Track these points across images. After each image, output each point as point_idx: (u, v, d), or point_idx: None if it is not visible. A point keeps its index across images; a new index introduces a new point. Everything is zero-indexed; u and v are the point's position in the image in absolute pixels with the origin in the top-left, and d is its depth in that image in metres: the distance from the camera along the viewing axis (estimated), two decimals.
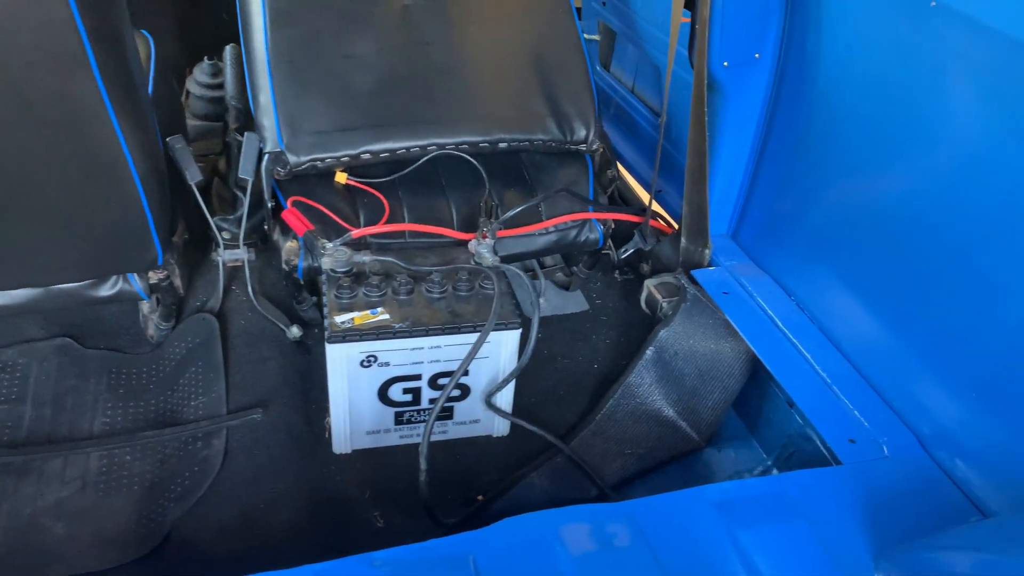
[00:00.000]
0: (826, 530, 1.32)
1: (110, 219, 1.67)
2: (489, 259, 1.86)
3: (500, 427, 1.94)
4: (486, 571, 1.21)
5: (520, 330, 1.76)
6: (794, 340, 1.74)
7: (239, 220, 2.10)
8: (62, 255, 1.73)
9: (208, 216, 1.98)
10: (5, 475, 1.71)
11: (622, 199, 2.45)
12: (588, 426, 1.92)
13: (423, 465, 1.64)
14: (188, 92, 2.65)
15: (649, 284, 2.10)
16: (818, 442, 1.60)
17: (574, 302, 2.38)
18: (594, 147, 2.18)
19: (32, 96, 1.42)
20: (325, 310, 1.73)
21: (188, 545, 1.56)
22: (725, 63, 1.82)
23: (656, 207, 2.18)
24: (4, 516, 1.63)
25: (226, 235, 2.11)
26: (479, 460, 1.89)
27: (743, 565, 1.25)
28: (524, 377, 1.87)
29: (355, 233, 1.87)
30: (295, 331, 2.08)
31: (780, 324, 1.79)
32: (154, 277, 1.88)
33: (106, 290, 1.85)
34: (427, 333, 1.71)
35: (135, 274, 1.86)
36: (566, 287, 2.41)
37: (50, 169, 1.57)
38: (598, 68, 2.74)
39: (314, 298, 2.14)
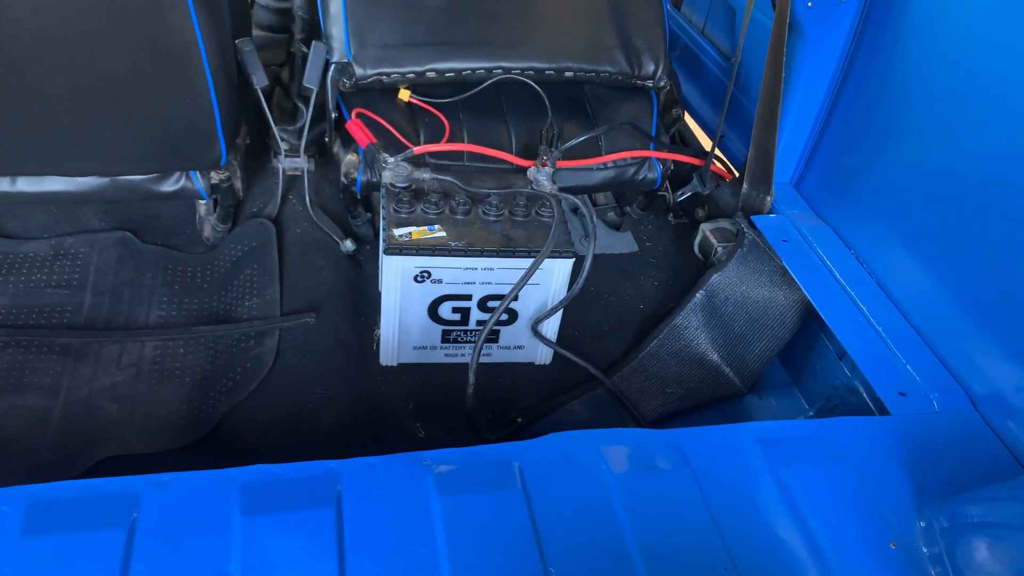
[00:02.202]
0: (868, 476, 1.32)
1: (179, 114, 1.69)
2: (548, 187, 1.85)
3: (543, 355, 1.96)
4: (531, 479, 1.23)
5: (573, 259, 1.76)
6: (851, 292, 1.71)
7: (300, 130, 2.12)
8: (131, 147, 1.75)
9: (271, 122, 1.99)
10: (65, 356, 1.76)
11: (682, 141, 2.41)
12: (631, 363, 1.93)
13: (471, 379, 1.66)
14: (254, 2, 2.64)
15: (705, 228, 2.08)
16: (865, 395, 1.59)
17: (623, 242, 2.37)
18: (661, 84, 2.15)
19: None
20: (383, 223, 1.74)
21: (236, 437, 1.60)
22: (809, 3, 1.77)
23: (717, 152, 2.15)
24: (63, 393, 1.69)
25: (285, 145, 2.13)
26: (520, 385, 1.91)
27: (783, 500, 1.26)
28: (569, 311, 1.88)
29: (416, 150, 1.87)
30: (349, 244, 2.09)
31: (838, 275, 1.76)
32: (216, 177, 1.91)
33: (169, 186, 1.88)
34: (482, 254, 1.71)
35: (197, 172, 1.88)
36: (616, 227, 2.39)
37: (126, 58, 1.58)
38: (669, 7, 2.67)
39: (368, 215, 2.16)
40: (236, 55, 1.84)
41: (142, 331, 1.84)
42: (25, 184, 1.82)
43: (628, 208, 2.35)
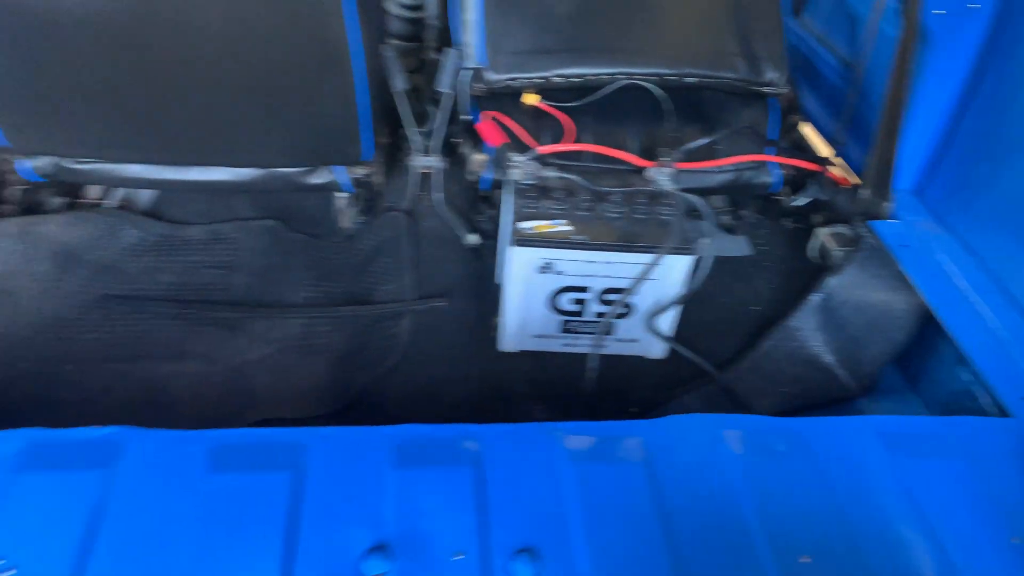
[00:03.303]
0: (990, 474, 1.33)
1: (330, 112, 1.86)
2: (669, 186, 1.92)
3: (656, 350, 2.03)
4: (655, 454, 1.31)
5: (692, 256, 1.83)
6: (973, 298, 1.72)
7: (430, 132, 2.26)
8: (287, 141, 1.93)
9: (411, 122, 2.14)
10: (222, 328, 1.96)
11: (798, 147, 2.44)
12: (744, 361, 1.98)
13: (593, 363, 1.75)
14: (385, 12, 2.82)
15: (822, 232, 2.11)
16: (985, 399, 1.59)
17: (737, 246, 2.40)
18: (781, 90, 2.19)
19: None
20: (509, 216, 1.85)
21: (375, 407, 1.75)
22: (939, 11, 1.78)
23: (836, 158, 2.17)
24: (221, 362, 1.88)
25: (414, 146, 2.29)
26: (634, 377, 1.98)
27: (903, 492, 1.29)
28: (685, 306, 1.94)
29: (542, 149, 1.98)
30: (472, 239, 2.23)
31: (960, 282, 1.77)
32: (359, 171, 2.07)
33: (317, 178, 2.06)
34: (603, 248, 1.80)
35: (344, 167, 2.05)
36: (730, 230, 2.44)
37: (288, 60, 1.76)
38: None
39: (491, 211, 2.28)
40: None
41: (288, 309, 2.02)
42: (196, 173, 2.03)
43: (744, 212, 2.39)
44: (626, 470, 1.29)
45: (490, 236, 2.29)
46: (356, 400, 1.78)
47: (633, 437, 1.34)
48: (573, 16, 2.13)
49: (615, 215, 1.87)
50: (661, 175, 1.95)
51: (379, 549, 1.14)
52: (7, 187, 2.06)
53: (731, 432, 1.37)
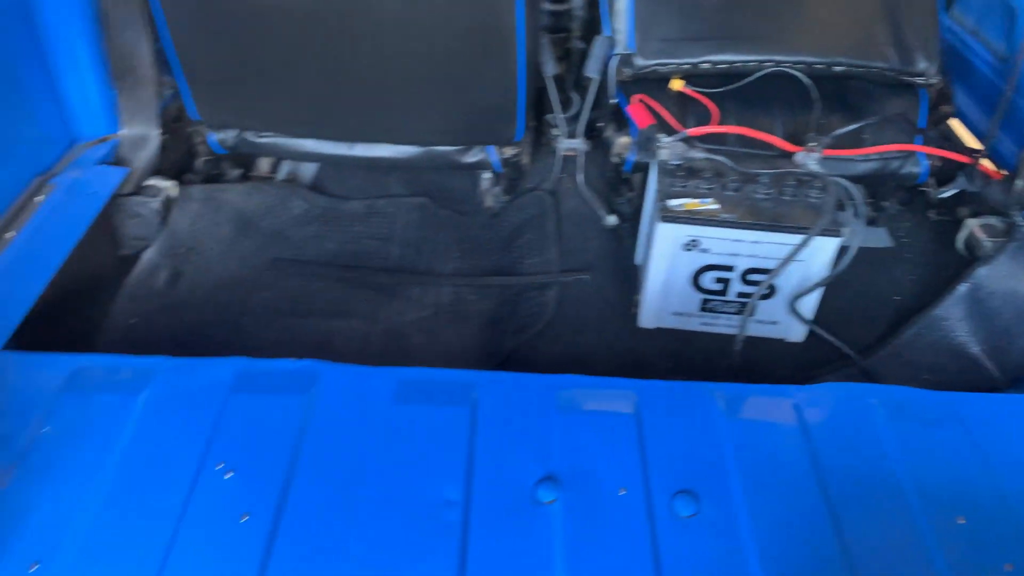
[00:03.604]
0: None
1: (494, 94, 1.98)
2: (818, 170, 1.95)
3: (796, 333, 2.05)
4: (808, 416, 1.36)
5: (840, 239, 1.85)
6: None
7: (573, 117, 2.37)
8: (447, 121, 2.07)
9: (558, 106, 2.25)
10: (379, 293, 2.11)
11: (945, 139, 2.40)
12: (886, 348, 1.98)
13: (738, 343, 1.80)
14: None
15: (971, 223, 2.08)
16: None
17: (877, 237, 2.40)
18: (933, 81, 2.17)
19: None
20: (655, 195, 1.92)
21: (524, 368, 1.85)
22: None
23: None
24: (380, 322, 2.03)
25: (556, 131, 2.39)
26: (773, 359, 2.01)
27: None
28: (825, 293, 1.96)
29: (691, 131, 2.04)
30: (611, 220, 2.31)
31: None
32: (508, 152, 2.19)
33: (470, 157, 2.19)
34: (751, 227, 1.85)
35: (495, 147, 2.17)
36: (871, 222, 2.43)
37: (461, 43, 1.89)
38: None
39: (630, 194, 2.36)
40: None
41: (440, 278, 2.16)
42: (361, 150, 2.20)
43: (886, 203, 2.38)
44: (780, 428, 1.34)
45: (628, 219, 2.37)
46: (505, 361, 1.88)
47: (787, 399, 1.39)
48: (721, 3, 2.19)
49: (763, 196, 1.91)
50: (809, 160, 1.98)
51: (549, 479, 1.24)
52: (196, 158, 2.29)
53: (883, 400, 1.40)
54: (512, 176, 2.31)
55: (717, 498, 1.23)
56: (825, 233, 1.83)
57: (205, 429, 1.29)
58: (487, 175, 2.41)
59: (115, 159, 2.02)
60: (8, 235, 1.69)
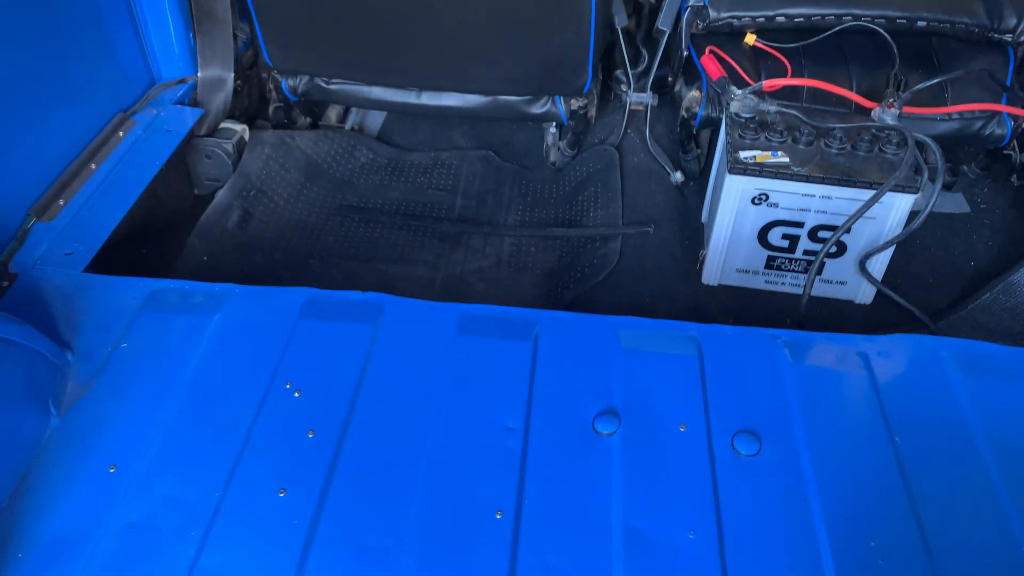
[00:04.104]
0: None
1: (560, 43, 1.97)
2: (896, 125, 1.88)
3: (864, 294, 2.00)
4: (876, 366, 1.33)
5: (916, 195, 1.79)
6: None
7: (644, 71, 2.33)
8: (515, 70, 2.07)
9: (627, 59, 2.22)
10: (443, 241, 2.13)
11: None
12: (959, 312, 1.92)
13: (807, 290, 1.76)
14: None
15: None
16: None
17: (954, 203, 2.32)
18: (1022, 38, 2.07)
19: None
20: (725, 148, 1.89)
21: None
22: None
23: None
24: (443, 269, 2.05)
25: (622, 86, 2.37)
26: (839, 319, 1.97)
27: None
28: (894, 259, 1.91)
29: (766, 84, 2.00)
30: (678, 176, 2.28)
31: None
32: (575, 104, 2.18)
33: (537, 108, 2.18)
34: (823, 181, 1.80)
35: (562, 98, 2.16)
36: (948, 187, 2.34)
37: None
38: None
39: (698, 151, 2.32)
40: None
41: (502, 229, 2.16)
42: (428, 98, 2.22)
43: (965, 167, 2.29)
44: (846, 375, 1.32)
45: (695, 177, 2.34)
46: (566, 308, 1.88)
47: (853, 347, 1.36)
48: None
49: (836, 151, 1.86)
50: (887, 116, 1.91)
51: (609, 413, 1.24)
52: (268, 104, 2.33)
53: (955, 354, 1.36)
54: (578, 130, 2.30)
55: (779, 440, 1.22)
56: (900, 189, 1.78)
57: (275, 351, 1.33)
58: (552, 129, 2.40)
59: (191, 101, 2.08)
60: (92, 166, 1.76)
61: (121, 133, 1.87)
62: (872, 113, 1.96)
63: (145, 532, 1.09)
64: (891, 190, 1.76)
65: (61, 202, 1.67)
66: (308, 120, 2.43)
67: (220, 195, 2.06)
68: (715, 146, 2.17)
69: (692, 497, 1.14)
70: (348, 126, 2.51)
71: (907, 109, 2.00)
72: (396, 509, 1.12)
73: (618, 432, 1.22)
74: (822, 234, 1.90)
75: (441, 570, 1.06)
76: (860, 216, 1.78)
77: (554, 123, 2.35)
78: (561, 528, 1.10)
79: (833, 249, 1.93)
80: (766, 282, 2.03)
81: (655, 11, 2.33)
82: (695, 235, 2.15)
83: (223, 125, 2.13)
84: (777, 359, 1.34)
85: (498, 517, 1.11)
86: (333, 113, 2.54)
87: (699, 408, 1.26)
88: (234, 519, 1.10)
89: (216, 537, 1.08)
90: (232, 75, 2.12)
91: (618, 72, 2.38)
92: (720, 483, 1.15)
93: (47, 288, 1.45)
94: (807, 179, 1.81)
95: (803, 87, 2.08)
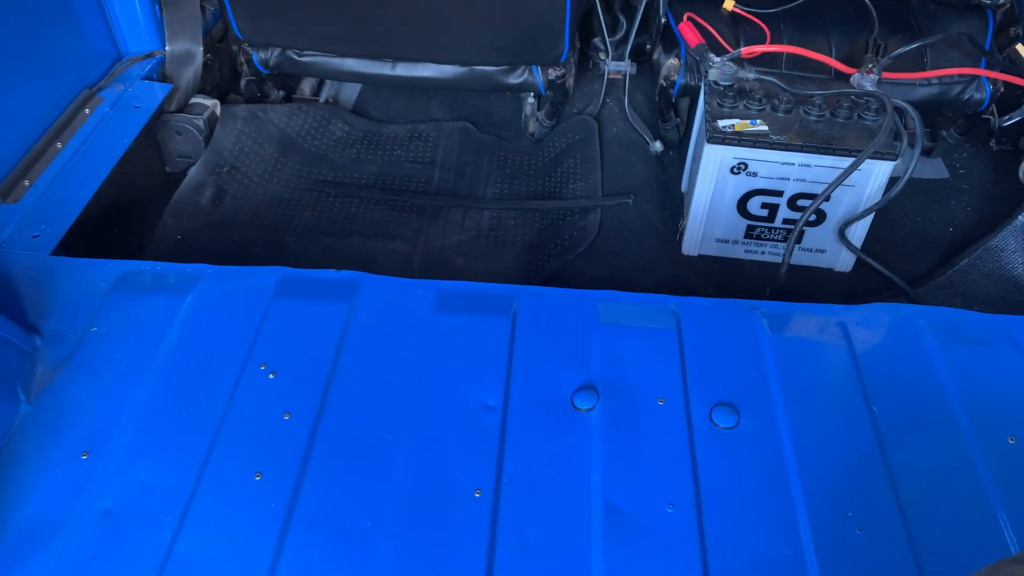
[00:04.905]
0: None
1: (538, 11, 1.93)
2: (873, 91, 1.87)
3: (844, 262, 2.00)
4: (854, 336, 1.33)
5: (895, 162, 1.78)
6: None
7: (622, 39, 2.30)
8: (491, 39, 2.03)
9: (603, 27, 2.19)
10: (421, 215, 2.11)
11: (1011, 63, 2.28)
12: (937, 278, 1.92)
13: (787, 258, 1.76)
14: None
15: None
16: None
17: (933, 168, 2.31)
18: (1001, 1, 2.06)
19: None
20: (704, 116, 1.87)
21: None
22: None
23: None
24: (422, 244, 2.03)
25: (601, 55, 2.33)
26: (819, 287, 1.97)
27: None
28: (873, 226, 1.90)
29: (744, 51, 1.97)
30: (657, 146, 2.26)
31: None
32: (552, 73, 2.14)
33: (514, 78, 2.15)
34: (802, 149, 1.79)
35: (539, 68, 2.13)
36: (927, 153, 2.34)
37: None
38: None
39: (677, 119, 2.30)
40: None
41: (481, 202, 2.14)
42: (402, 69, 2.17)
43: (944, 132, 2.29)
44: (824, 346, 1.32)
45: (675, 146, 2.32)
46: (546, 282, 1.87)
47: (831, 317, 1.36)
48: None
49: (815, 118, 1.84)
50: (865, 81, 1.90)
51: (588, 388, 1.23)
52: (240, 78, 2.28)
53: (933, 322, 1.36)
54: (556, 100, 2.27)
55: (758, 412, 1.22)
56: (879, 156, 1.77)
57: (249, 332, 1.31)
58: (530, 100, 2.36)
59: (160, 76, 2.03)
60: (57, 145, 1.71)
61: (87, 110, 1.82)
62: (851, 79, 1.94)
63: (120, 518, 1.08)
64: (870, 157, 1.75)
65: (26, 183, 1.63)
66: (281, 94, 2.38)
67: (192, 172, 2.02)
68: (694, 115, 2.15)
69: (671, 471, 1.14)
70: (322, 99, 2.47)
71: (886, 75, 1.98)
72: (374, 490, 1.11)
73: (597, 407, 1.21)
74: (801, 203, 1.89)
75: (420, 551, 1.05)
76: (839, 184, 1.77)
77: (532, 93, 2.31)
78: (540, 505, 1.09)
79: (812, 218, 1.92)
80: (746, 251, 2.02)
81: None
82: (675, 205, 2.13)
83: (194, 100, 2.08)
84: (756, 331, 1.34)
85: (477, 496, 1.10)
86: (307, 86, 2.49)
87: (677, 381, 1.25)
88: (210, 504, 1.09)
89: (192, 522, 1.07)
90: (201, 49, 2.07)
91: (596, 40, 2.35)
92: (699, 456, 1.15)
93: (13, 272, 1.42)
94: (786, 147, 1.80)
95: (782, 54, 2.06)
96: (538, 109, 2.35)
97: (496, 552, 1.04)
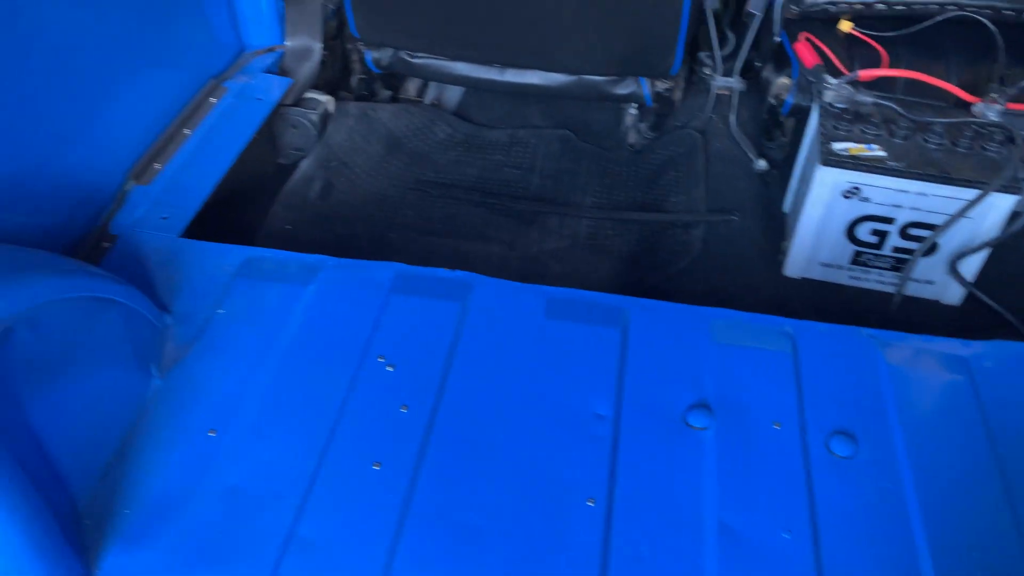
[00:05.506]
0: None
1: (657, 23, 1.93)
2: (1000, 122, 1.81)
3: (952, 295, 1.94)
4: (977, 372, 1.29)
5: (1018, 196, 1.72)
6: None
7: (731, 55, 2.28)
8: (607, 49, 2.04)
9: (716, 42, 2.17)
10: (519, 221, 2.13)
11: None
12: None
13: (900, 291, 1.72)
14: None
15: None
16: None
17: None
18: None
19: None
20: (814, 139, 1.84)
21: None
22: None
23: None
24: (519, 248, 2.05)
25: (707, 70, 2.31)
26: (926, 320, 1.91)
27: None
28: (987, 256, 1.84)
29: (862, 74, 1.93)
30: (762, 164, 2.23)
31: None
32: (660, 86, 2.14)
33: (622, 89, 2.15)
34: (920, 177, 1.75)
35: (647, 80, 2.12)
36: None
37: None
38: None
39: (783, 139, 2.27)
40: None
41: (579, 210, 2.15)
42: (510, 75, 2.20)
43: None
44: (945, 380, 1.29)
45: (778, 165, 2.28)
46: (646, 294, 1.87)
47: (954, 351, 1.32)
48: None
49: (935, 146, 1.80)
50: (990, 111, 1.84)
51: (701, 406, 1.23)
52: (351, 75, 2.34)
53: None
54: (660, 112, 2.26)
55: (876, 442, 1.20)
56: (1003, 189, 1.71)
57: (367, 324, 1.35)
58: (632, 110, 2.36)
59: (279, 69, 2.09)
60: (185, 131, 1.79)
61: (213, 99, 1.89)
62: (974, 108, 1.89)
63: (244, 497, 1.12)
64: (995, 190, 1.70)
65: (157, 166, 1.71)
66: (388, 93, 2.43)
67: (304, 165, 2.08)
68: (801, 134, 2.11)
69: (787, 497, 1.13)
70: (427, 100, 2.51)
71: (1013, 106, 1.92)
72: (488, 489, 1.13)
73: (711, 427, 1.20)
74: (913, 231, 1.85)
75: (533, 553, 1.06)
76: (961, 216, 1.72)
77: (635, 104, 2.31)
78: (653, 520, 1.10)
79: (926, 248, 1.87)
80: (850, 277, 1.98)
81: None
82: (776, 224, 2.10)
83: (308, 95, 2.14)
84: (873, 359, 1.32)
85: (590, 505, 1.11)
86: (412, 86, 2.54)
87: (793, 406, 1.24)
88: (330, 489, 1.13)
89: (313, 506, 1.10)
90: (320, 45, 2.13)
91: (703, 55, 2.33)
92: (815, 484, 1.14)
93: (145, 251, 1.49)
94: (905, 175, 1.75)
95: (899, 78, 2.01)
96: (640, 120, 2.35)
97: (609, 563, 1.04)
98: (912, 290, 1.97)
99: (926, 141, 1.81)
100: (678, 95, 2.21)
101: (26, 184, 1.41)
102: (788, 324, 1.37)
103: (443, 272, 1.46)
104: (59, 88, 1.48)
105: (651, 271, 1.94)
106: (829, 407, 1.24)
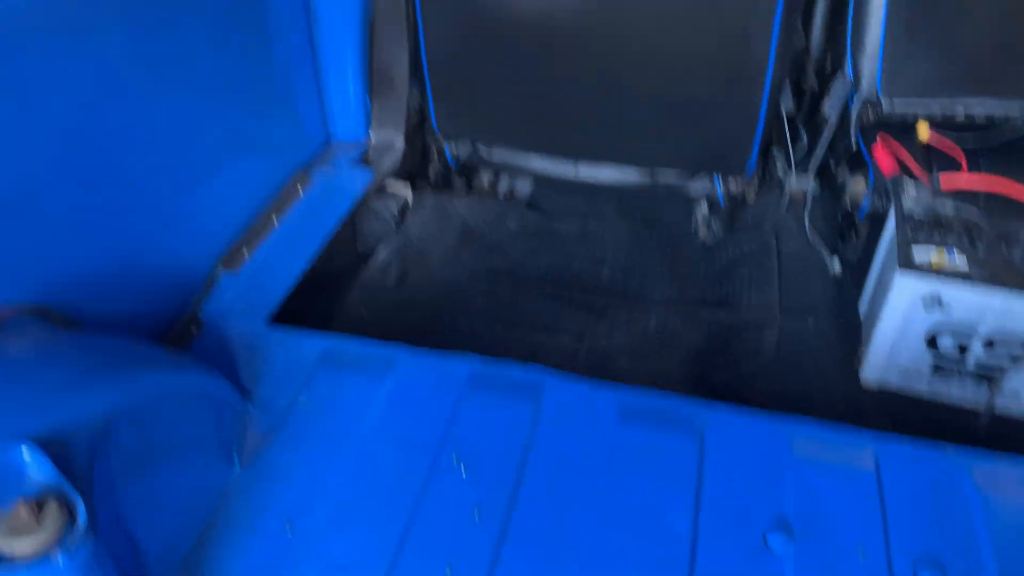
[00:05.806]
0: None
1: (735, 124, 1.97)
2: None
3: None
4: None
5: None
6: None
7: (805, 156, 2.30)
8: (684, 147, 2.08)
9: (788, 142, 2.19)
10: (588, 312, 2.14)
11: None
12: None
13: (989, 408, 1.66)
14: None
15: None
16: None
17: None
18: None
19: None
20: (892, 246, 1.81)
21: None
22: None
23: None
24: (587, 341, 2.05)
25: (780, 171, 2.33)
26: (1011, 438, 1.84)
27: None
28: None
29: (943, 184, 1.92)
30: (836, 266, 2.21)
31: None
32: (734, 185, 2.16)
33: (695, 185, 2.18)
34: (1007, 289, 1.70)
35: (720, 178, 2.15)
36: None
37: (703, 68, 1.89)
38: None
39: (858, 241, 2.24)
40: None
41: (649, 304, 2.15)
42: (584, 171, 2.25)
43: None
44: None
45: (852, 267, 2.26)
46: (717, 395, 1.84)
47: None
48: (985, 49, 2.05)
49: (1020, 258, 1.76)
50: None
51: (781, 527, 1.19)
52: (429, 164, 2.43)
53: None
54: (731, 209, 2.28)
55: (967, 574, 1.14)
56: None
57: (442, 420, 1.36)
58: (704, 207, 2.38)
59: (363, 161, 2.19)
60: (273, 219, 1.87)
61: (300, 189, 1.98)
62: None
63: None
64: None
65: (245, 253, 1.78)
66: (463, 182, 2.51)
67: (382, 253, 2.14)
68: (877, 237, 2.09)
69: None
70: (500, 191, 2.58)
71: None
72: None
73: (792, 550, 1.17)
74: (1000, 344, 1.79)
75: None
76: None
77: (707, 200, 2.33)
78: None
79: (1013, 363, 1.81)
80: (930, 389, 1.92)
81: (815, 94, 2.30)
82: (852, 329, 2.06)
83: (388, 185, 2.22)
84: (964, 482, 1.26)
85: None
86: (486, 177, 2.61)
87: (878, 531, 1.19)
88: None
89: None
90: (402, 138, 2.22)
91: (776, 153, 2.35)
92: None
93: (231, 337, 1.54)
94: (990, 286, 1.72)
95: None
96: (711, 216, 2.36)
97: None
98: (1001, 405, 1.90)
99: (1010, 251, 1.77)
100: (752, 195, 2.22)
101: (127, 270, 1.49)
102: (869, 438, 1.33)
103: (516, 369, 1.47)
104: (163, 175, 1.58)
105: (721, 368, 1.92)
106: (916, 534, 1.19)
